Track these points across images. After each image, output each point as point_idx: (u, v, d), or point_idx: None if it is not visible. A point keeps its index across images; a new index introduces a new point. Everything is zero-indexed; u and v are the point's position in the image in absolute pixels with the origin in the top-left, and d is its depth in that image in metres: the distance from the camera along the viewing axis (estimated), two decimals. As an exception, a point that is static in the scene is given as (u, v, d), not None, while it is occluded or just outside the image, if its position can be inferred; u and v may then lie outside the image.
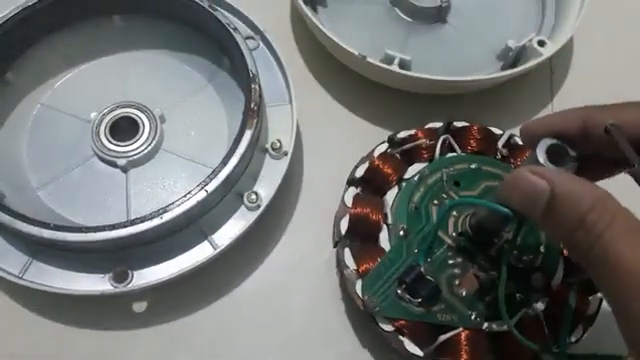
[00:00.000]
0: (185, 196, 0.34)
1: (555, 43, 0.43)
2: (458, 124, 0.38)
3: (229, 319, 0.38)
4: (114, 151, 0.40)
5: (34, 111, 0.43)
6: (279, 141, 0.39)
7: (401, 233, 0.33)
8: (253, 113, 0.36)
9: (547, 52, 0.42)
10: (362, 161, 0.38)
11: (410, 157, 0.37)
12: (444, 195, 0.34)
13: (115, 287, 0.34)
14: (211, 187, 0.34)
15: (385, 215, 0.35)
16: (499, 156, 0.37)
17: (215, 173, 0.35)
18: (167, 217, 0.33)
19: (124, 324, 0.38)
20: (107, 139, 0.40)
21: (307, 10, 0.44)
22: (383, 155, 0.37)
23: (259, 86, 0.38)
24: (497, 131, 0.39)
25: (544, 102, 0.48)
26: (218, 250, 0.35)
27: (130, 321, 0.38)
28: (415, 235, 0.33)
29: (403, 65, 0.42)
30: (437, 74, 0.41)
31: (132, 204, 0.40)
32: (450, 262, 0.32)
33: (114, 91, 0.43)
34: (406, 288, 0.31)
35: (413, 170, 0.36)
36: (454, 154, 0.37)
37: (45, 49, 0.43)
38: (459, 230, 0.33)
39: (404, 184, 0.36)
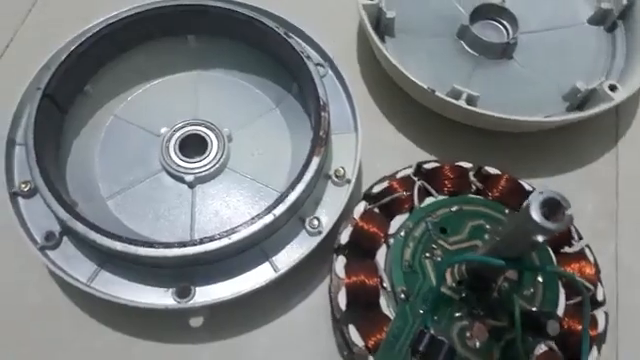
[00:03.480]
0: (253, 218, 0.34)
1: (626, 88, 0.42)
2: (427, 166, 0.38)
3: (283, 340, 0.38)
4: (182, 167, 0.41)
5: (107, 122, 0.44)
6: (343, 169, 0.40)
7: (402, 296, 0.32)
8: (322, 141, 0.37)
9: (618, 97, 0.42)
10: (344, 225, 0.36)
11: (390, 211, 0.36)
12: (434, 245, 0.34)
13: (178, 302, 0.35)
14: (278, 211, 0.35)
15: (380, 278, 0.33)
16: (474, 188, 0.37)
17: (282, 197, 0.35)
18: (235, 238, 0.34)
19: (180, 338, 0.38)
20: (176, 155, 0.42)
21: (377, 40, 0.44)
22: (364, 215, 0.36)
23: (328, 114, 0.38)
24: (466, 165, 0.38)
25: (609, 145, 0.47)
26: (279, 273, 0.36)
27: (186, 335, 0.38)
28: (416, 295, 0.32)
29: (470, 101, 0.42)
30: (501, 110, 0.41)
31: (196, 219, 0.40)
32: (457, 315, 0.31)
33: (184, 108, 0.45)
34: (421, 357, 0.30)
35: (396, 223, 0.35)
36: (432, 199, 0.36)
37: (122, 64, 0.44)
38: (457, 279, 0.32)
39: (391, 241, 0.35)
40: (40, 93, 0.38)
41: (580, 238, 0.36)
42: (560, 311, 0.32)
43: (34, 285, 0.39)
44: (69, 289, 0.39)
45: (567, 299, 0.33)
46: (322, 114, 0.38)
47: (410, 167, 0.38)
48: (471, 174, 0.38)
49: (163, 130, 0.43)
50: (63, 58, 0.39)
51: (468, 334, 0.31)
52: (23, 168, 0.38)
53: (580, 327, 0.32)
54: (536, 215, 0.23)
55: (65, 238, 0.37)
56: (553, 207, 0.23)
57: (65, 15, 0.53)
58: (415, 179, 0.37)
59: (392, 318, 0.32)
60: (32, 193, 0.38)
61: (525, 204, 0.23)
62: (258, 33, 0.42)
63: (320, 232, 0.37)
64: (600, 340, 0.33)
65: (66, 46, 0.41)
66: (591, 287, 0.34)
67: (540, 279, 0.33)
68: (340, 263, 0.35)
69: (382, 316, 0.32)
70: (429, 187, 0.37)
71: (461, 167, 0.38)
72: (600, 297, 0.34)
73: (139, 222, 0.40)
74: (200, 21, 0.43)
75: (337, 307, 0.33)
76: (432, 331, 0.31)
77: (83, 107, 0.43)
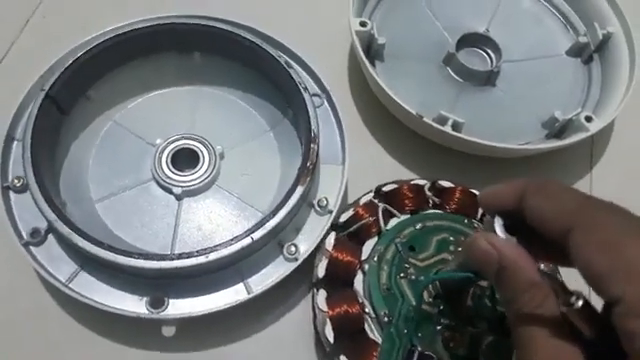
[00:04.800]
0: (232, 240, 0.36)
1: (601, 119, 0.45)
2: (386, 188, 0.39)
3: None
4: (172, 179, 0.43)
5: (106, 127, 0.46)
6: (326, 199, 0.41)
7: (385, 319, 0.33)
8: (308, 171, 0.38)
9: (594, 128, 0.44)
10: (319, 258, 0.37)
11: (360, 237, 0.37)
12: (406, 265, 0.35)
13: (150, 312, 0.36)
14: (257, 235, 0.36)
15: (362, 305, 0.34)
16: (431, 203, 0.39)
17: (263, 222, 0.36)
18: (212, 257, 0.35)
19: (151, 345, 0.39)
20: (168, 166, 0.43)
21: (368, 65, 0.46)
22: (336, 245, 0.37)
23: (318, 146, 0.40)
24: (421, 182, 0.40)
25: (584, 171, 0.50)
26: (252, 295, 0.37)
27: (157, 344, 0.39)
28: (398, 316, 0.33)
29: (456, 126, 0.44)
30: (485, 136, 0.43)
31: (179, 232, 0.42)
32: (438, 328, 0.33)
33: (181, 122, 0.46)
34: None
35: (367, 249, 0.37)
36: (396, 220, 0.38)
37: (126, 73, 0.45)
38: (433, 294, 0.33)
39: (366, 266, 0.36)
40: (43, 94, 0.39)
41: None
42: None
43: (17, 280, 0.40)
44: (50, 286, 0.40)
45: None
46: (312, 146, 0.39)
47: (370, 192, 0.40)
48: (426, 189, 0.39)
49: (158, 141, 0.44)
50: (69, 62, 0.41)
51: (451, 344, 0.32)
52: (18, 164, 0.39)
53: None
54: (499, 229, 0.24)
55: (50, 236, 0.38)
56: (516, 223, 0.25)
57: (69, 20, 0.54)
58: (377, 202, 0.39)
59: (379, 342, 0.33)
60: (24, 189, 0.39)
61: (488, 218, 0.25)
62: (260, 58, 0.43)
63: (296, 259, 0.38)
64: None
65: (72, 51, 0.42)
66: None
67: None
68: (321, 296, 0.35)
69: (369, 341, 0.33)
70: (391, 209, 0.38)
71: (417, 185, 0.40)
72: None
73: (124, 228, 0.42)
74: (205, 40, 0.44)
75: (326, 341, 0.34)
76: (419, 348, 0.32)
77: (84, 110, 0.44)
